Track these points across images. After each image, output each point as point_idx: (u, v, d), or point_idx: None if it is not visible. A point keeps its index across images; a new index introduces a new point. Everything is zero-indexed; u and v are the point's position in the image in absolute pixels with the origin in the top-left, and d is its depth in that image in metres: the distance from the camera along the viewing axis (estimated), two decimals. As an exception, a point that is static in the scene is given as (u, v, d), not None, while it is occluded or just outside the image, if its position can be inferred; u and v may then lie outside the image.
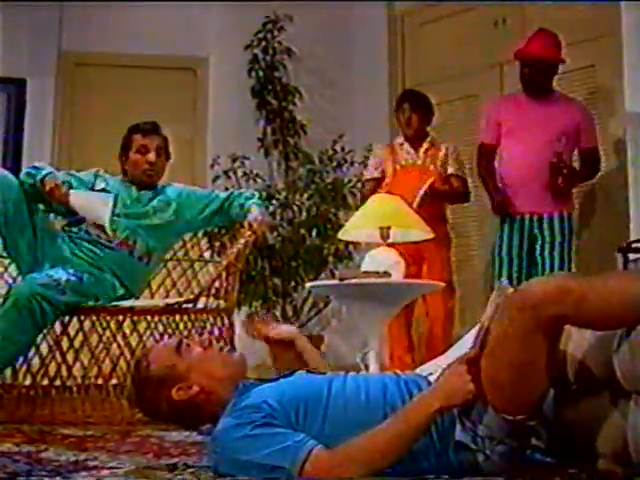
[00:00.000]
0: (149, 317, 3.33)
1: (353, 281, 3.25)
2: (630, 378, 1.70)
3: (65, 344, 3.31)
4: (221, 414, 1.83)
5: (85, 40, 5.96)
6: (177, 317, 3.37)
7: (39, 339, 3.27)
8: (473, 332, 1.87)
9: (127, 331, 3.30)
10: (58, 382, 3.32)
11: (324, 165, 5.71)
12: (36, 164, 3.47)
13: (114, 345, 3.29)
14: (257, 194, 3.79)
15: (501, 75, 5.34)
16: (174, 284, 3.96)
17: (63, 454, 2.28)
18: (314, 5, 5.77)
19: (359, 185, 5.20)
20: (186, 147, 5.68)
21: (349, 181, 5.55)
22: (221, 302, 3.49)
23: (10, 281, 3.67)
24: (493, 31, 5.44)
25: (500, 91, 5.26)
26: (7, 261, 3.67)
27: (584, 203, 4.74)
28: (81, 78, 6.06)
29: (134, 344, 3.27)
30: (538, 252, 4.23)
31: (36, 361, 3.31)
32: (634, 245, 4.22)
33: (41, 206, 3.43)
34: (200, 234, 4.12)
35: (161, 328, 3.33)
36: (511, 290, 1.84)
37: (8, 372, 3.28)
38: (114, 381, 3.30)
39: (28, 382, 3.31)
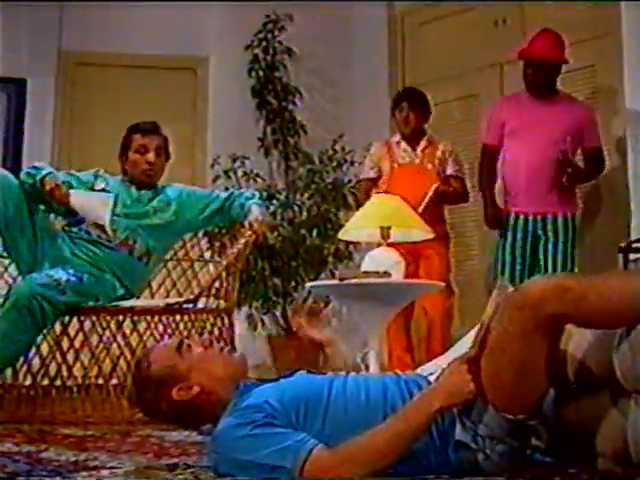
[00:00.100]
0: (149, 317, 3.34)
1: (353, 281, 3.25)
2: (630, 377, 1.70)
3: (65, 344, 3.31)
4: (221, 414, 1.83)
5: (85, 40, 5.96)
6: (177, 317, 3.37)
7: (39, 339, 3.27)
8: (473, 332, 1.87)
9: (127, 331, 3.31)
10: (58, 382, 3.32)
11: (324, 165, 5.71)
12: (36, 164, 3.47)
13: (114, 345, 3.30)
14: (257, 194, 3.79)
15: (501, 75, 5.33)
16: (174, 284, 3.97)
17: (63, 454, 2.28)
18: (314, 5, 5.77)
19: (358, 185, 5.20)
20: (186, 147, 5.68)
21: (349, 181, 5.54)
22: (221, 302, 3.50)
23: (10, 281, 3.67)
24: (493, 31, 5.43)
25: (500, 91, 5.25)
26: (7, 261, 3.67)
27: (586, 203, 4.73)
28: (81, 78, 6.06)
29: (134, 344, 3.27)
30: (541, 252, 4.23)
31: (36, 361, 3.32)
32: (634, 245, 4.22)
33: (41, 206, 3.43)
34: (200, 234, 4.12)
35: (161, 328, 3.34)
36: (511, 288, 1.84)
37: (8, 372, 3.29)
38: (114, 381, 3.30)
39: (28, 382, 3.32)
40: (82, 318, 3.30)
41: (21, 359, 3.28)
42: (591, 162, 4.35)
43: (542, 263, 4.22)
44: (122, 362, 3.27)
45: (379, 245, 3.46)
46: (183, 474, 1.90)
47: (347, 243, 5.30)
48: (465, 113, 5.49)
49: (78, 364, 3.31)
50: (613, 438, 1.75)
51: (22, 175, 3.39)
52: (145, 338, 3.30)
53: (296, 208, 5.69)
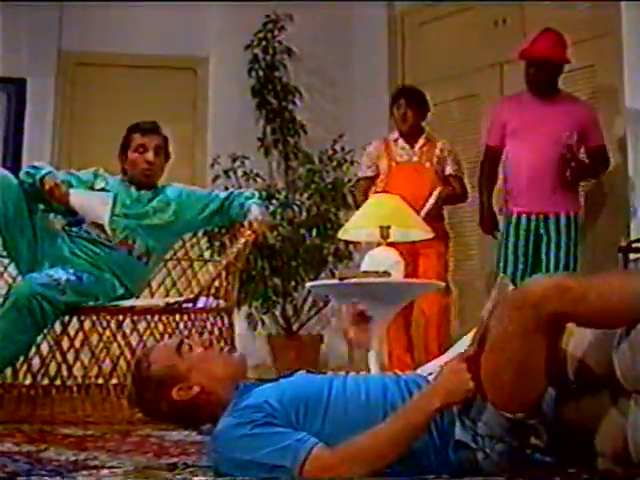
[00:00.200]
0: (149, 317, 3.34)
1: (353, 281, 3.25)
2: (630, 377, 1.70)
3: (65, 344, 3.31)
4: (221, 414, 1.83)
5: (85, 40, 5.96)
6: (177, 317, 3.37)
7: (39, 339, 3.27)
8: (472, 333, 1.87)
9: (127, 331, 3.31)
10: (58, 382, 3.32)
11: (324, 165, 5.71)
12: (35, 164, 3.47)
13: (114, 345, 3.29)
14: (257, 194, 3.79)
15: (501, 75, 5.34)
16: (174, 284, 3.96)
17: (63, 454, 2.28)
18: (314, 5, 5.77)
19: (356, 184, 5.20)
20: (186, 147, 5.68)
21: (349, 181, 5.55)
22: (221, 302, 3.49)
23: (10, 281, 3.67)
24: (493, 31, 5.43)
25: (500, 91, 5.25)
26: (7, 261, 3.67)
27: (587, 202, 4.73)
28: (81, 78, 6.06)
29: (134, 344, 3.28)
30: (544, 252, 4.22)
31: (36, 361, 3.32)
32: (634, 245, 4.22)
33: (41, 206, 3.43)
34: (200, 234, 4.12)
35: (161, 328, 3.33)
36: (511, 287, 1.84)
37: (8, 372, 3.29)
38: (114, 381, 3.30)
39: (28, 382, 3.32)
40: (82, 318, 3.29)
41: (21, 359, 3.28)
42: (595, 161, 4.34)
43: (544, 263, 4.22)
44: (122, 362, 3.27)
45: (379, 245, 3.47)
46: (183, 474, 1.90)
47: (347, 243, 5.31)
48: (465, 113, 5.49)
49: (78, 364, 3.31)
50: (613, 438, 1.75)
51: (21, 174, 3.38)
52: (145, 338, 3.30)
53: (296, 208, 5.69)
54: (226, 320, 3.53)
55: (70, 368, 3.31)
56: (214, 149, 5.79)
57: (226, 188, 4.94)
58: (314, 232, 5.61)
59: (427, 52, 5.79)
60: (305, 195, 5.71)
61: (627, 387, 1.72)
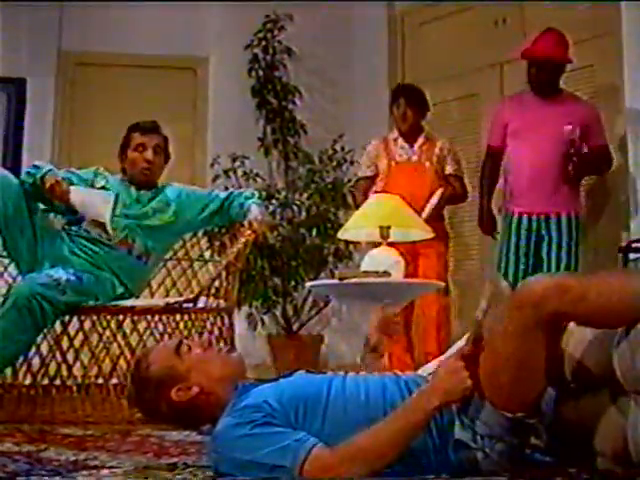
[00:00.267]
0: (149, 316, 3.34)
1: (353, 280, 3.25)
2: (630, 377, 1.70)
3: (65, 344, 3.31)
4: (220, 415, 1.83)
5: (85, 40, 5.96)
6: (177, 316, 3.37)
7: (39, 339, 3.27)
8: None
9: (127, 330, 3.31)
10: (58, 381, 3.33)
11: (324, 165, 5.71)
12: (36, 163, 3.47)
13: (114, 344, 3.30)
14: (257, 194, 3.79)
15: (501, 75, 5.34)
16: (174, 284, 3.97)
17: (63, 453, 2.28)
18: (314, 5, 5.77)
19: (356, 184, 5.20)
20: (186, 147, 5.68)
21: (349, 181, 5.55)
22: (221, 301, 3.49)
23: (10, 281, 3.67)
24: (493, 31, 5.43)
25: (500, 91, 5.25)
26: (7, 261, 3.67)
27: (588, 202, 4.73)
28: (81, 78, 6.07)
29: (134, 344, 3.28)
30: (545, 252, 4.21)
31: (36, 361, 3.32)
32: (634, 245, 4.22)
33: (41, 205, 3.43)
34: (200, 234, 4.12)
35: (161, 327, 3.34)
36: (504, 283, 1.84)
37: (8, 371, 3.29)
38: (114, 380, 3.30)
39: (28, 381, 3.32)
40: (82, 317, 3.30)
41: (21, 359, 3.28)
42: (598, 160, 4.34)
43: (545, 263, 4.21)
44: (122, 362, 3.27)
45: (379, 245, 3.47)
46: (183, 473, 1.90)
47: (347, 243, 5.30)
48: (465, 113, 5.49)
49: (78, 364, 3.31)
50: (613, 438, 1.75)
51: (23, 175, 3.39)
52: (145, 338, 3.30)
53: (296, 208, 5.70)
54: (226, 320, 3.53)
55: (70, 368, 3.31)
56: (214, 149, 5.80)
57: (226, 188, 4.94)
58: (314, 232, 5.61)
59: (427, 52, 5.80)
60: (305, 195, 5.71)
61: (627, 387, 1.72)
